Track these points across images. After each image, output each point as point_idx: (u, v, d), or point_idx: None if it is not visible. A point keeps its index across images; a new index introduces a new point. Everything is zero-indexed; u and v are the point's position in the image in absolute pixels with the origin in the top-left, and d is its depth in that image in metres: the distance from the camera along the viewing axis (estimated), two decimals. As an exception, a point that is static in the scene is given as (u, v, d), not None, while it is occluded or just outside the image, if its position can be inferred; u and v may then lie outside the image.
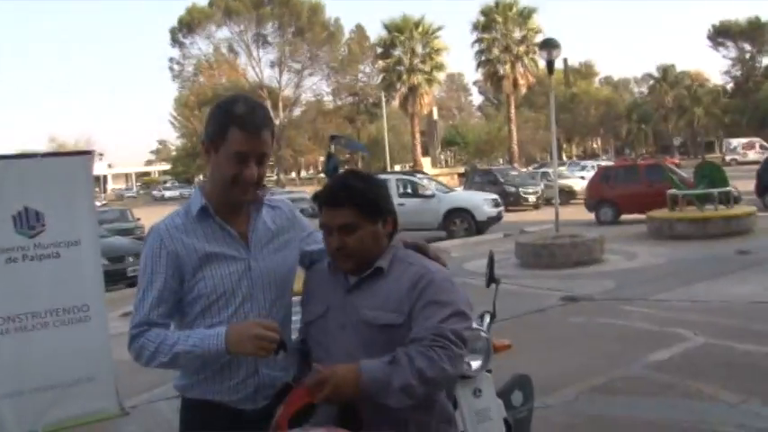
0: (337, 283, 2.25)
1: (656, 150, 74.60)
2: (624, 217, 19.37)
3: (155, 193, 61.70)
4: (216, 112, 2.23)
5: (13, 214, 5.48)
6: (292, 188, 40.84)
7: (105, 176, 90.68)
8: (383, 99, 52.82)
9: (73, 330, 5.64)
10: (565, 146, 79.83)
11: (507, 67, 45.37)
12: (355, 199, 2.15)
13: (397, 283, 2.14)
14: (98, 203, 36.44)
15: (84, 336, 5.68)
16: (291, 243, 2.42)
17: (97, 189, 61.48)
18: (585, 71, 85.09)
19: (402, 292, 2.12)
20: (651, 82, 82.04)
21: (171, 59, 67.99)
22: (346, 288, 2.22)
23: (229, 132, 2.16)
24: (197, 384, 2.29)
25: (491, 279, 3.40)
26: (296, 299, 2.44)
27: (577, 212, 21.66)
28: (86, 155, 6.13)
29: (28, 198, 5.54)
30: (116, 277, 12.73)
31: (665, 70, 77.21)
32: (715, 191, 15.23)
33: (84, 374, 5.70)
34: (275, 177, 57.38)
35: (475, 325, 3.17)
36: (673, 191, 15.86)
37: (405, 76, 44.89)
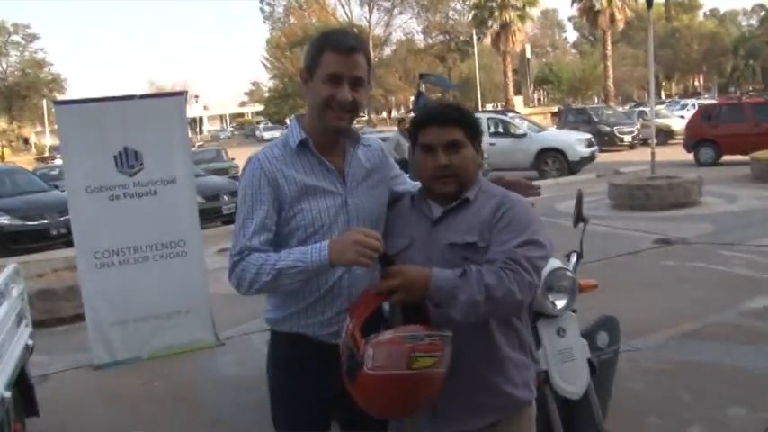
0: (422, 216, 2.26)
1: (765, 88, 70.47)
2: (726, 158, 18.58)
3: (257, 134, 63.03)
4: (313, 42, 2.28)
5: (115, 154, 5.76)
6: (383, 128, 40.84)
7: (201, 118, 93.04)
8: (474, 37, 51.83)
9: (171, 264, 5.92)
10: (664, 84, 76.65)
11: (604, 1, 43.54)
12: (464, 119, 2.22)
13: (480, 212, 2.16)
14: (195, 144, 37.44)
15: (182, 270, 5.95)
16: (383, 182, 2.44)
17: (196, 131, 63.17)
18: (688, 4, 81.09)
19: (484, 219, 2.14)
20: (762, 14, 77.23)
21: (262, 0, 68.61)
22: (432, 220, 2.23)
23: (323, 56, 2.19)
24: (289, 318, 2.33)
25: (579, 218, 3.36)
26: None
27: (675, 153, 20.88)
28: (179, 96, 6.32)
29: (127, 138, 5.80)
30: (212, 215, 13.15)
31: (779, 0, 72.44)
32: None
33: (183, 306, 6.00)
34: (366, 117, 57.41)
35: (561, 264, 3.15)
36: (781, 130, 14.97)
37: (497, 13, 43.93)
